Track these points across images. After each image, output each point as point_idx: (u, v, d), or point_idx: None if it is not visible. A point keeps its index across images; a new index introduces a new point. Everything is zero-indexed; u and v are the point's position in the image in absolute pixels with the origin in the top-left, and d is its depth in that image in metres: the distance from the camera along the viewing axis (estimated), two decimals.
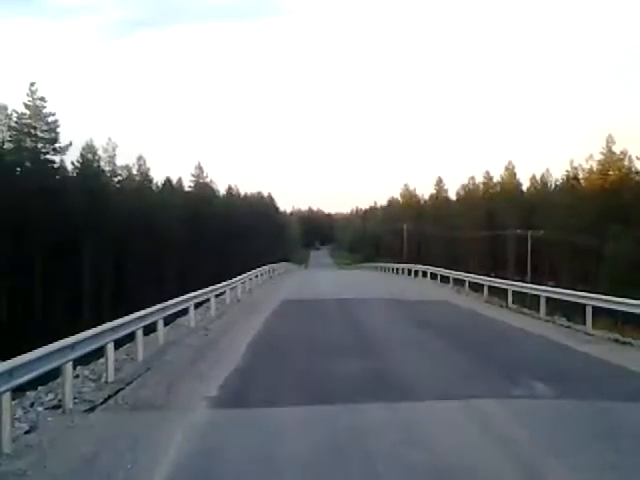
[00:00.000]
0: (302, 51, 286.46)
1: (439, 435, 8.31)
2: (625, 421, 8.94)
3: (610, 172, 77.72)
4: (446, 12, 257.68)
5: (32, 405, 10.28)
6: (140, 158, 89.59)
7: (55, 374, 10.10)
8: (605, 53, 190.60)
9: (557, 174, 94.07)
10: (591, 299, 18.47)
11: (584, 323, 18.28)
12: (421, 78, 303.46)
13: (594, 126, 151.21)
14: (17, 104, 64.69)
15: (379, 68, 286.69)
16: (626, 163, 78.12)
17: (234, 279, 28.16)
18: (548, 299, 21.36)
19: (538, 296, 21.90)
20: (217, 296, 23.39)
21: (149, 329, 15.01)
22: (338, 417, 8.95)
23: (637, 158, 74.83)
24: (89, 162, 73.17)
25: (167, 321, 17.00)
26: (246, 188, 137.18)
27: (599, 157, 79.61)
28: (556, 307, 22.45)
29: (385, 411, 9.22)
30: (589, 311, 18.01)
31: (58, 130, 66.71)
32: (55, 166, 68.31)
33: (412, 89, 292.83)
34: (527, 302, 25.74)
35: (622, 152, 78.28)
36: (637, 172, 76.30)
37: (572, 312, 21.21)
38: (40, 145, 66.17)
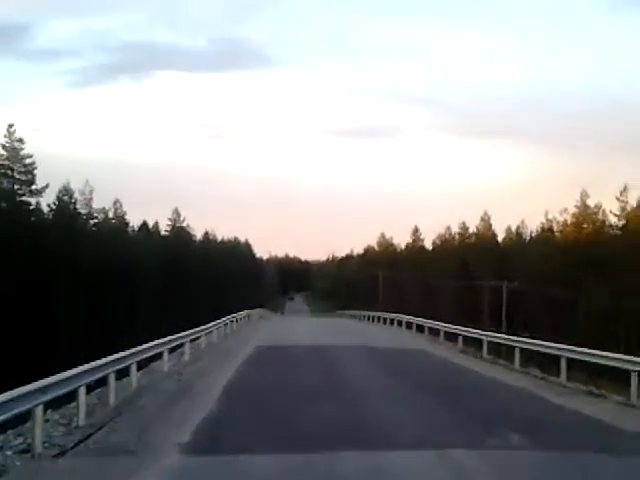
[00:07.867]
0: (281, 96, 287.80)
1: None
2: (600, 473, 8.92)
3: (584, 225, 78.71)
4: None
5: (0, 449, 10.08)
6: (117, 202, 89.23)
7: (25, 417, 9.96)
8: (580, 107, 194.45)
9: (532, 226, 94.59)
10: (566, 350, 18.52)
11: (558, 375, 18.29)
12: (398, 125, 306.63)
13: (569, 179, 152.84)
14: None
15: (351, 115, 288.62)
16: (600, 217, 79.16)
17: (209, 324, 27.99)
18: (523, 350, 21.41)
19: (513, 347, 21.93)
20: (192, 341, 23.22)
21: (122, 373, 14.84)
22: (312, 465, 8.84)
23: (611, 212, 75.76)
24: (65, 204, 72.79)
25: (140, 366, 16.83)
26: (223, 233, 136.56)
27: (573, 210, 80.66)
28: (531, 358, 22.47)
29: (360, 460, 9.10)
30: (564, 363, 18.06)
31: (35, 172, 66.55)
32: (31, 208, 68.01)
33: (392, 138, 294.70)
34: (502, 353, 25.75)
35: (596, 205, 79.41)
36: (611, 226, 77.24)
37: (547, 363, 21.23)
38: (17, 187, 65.94)
